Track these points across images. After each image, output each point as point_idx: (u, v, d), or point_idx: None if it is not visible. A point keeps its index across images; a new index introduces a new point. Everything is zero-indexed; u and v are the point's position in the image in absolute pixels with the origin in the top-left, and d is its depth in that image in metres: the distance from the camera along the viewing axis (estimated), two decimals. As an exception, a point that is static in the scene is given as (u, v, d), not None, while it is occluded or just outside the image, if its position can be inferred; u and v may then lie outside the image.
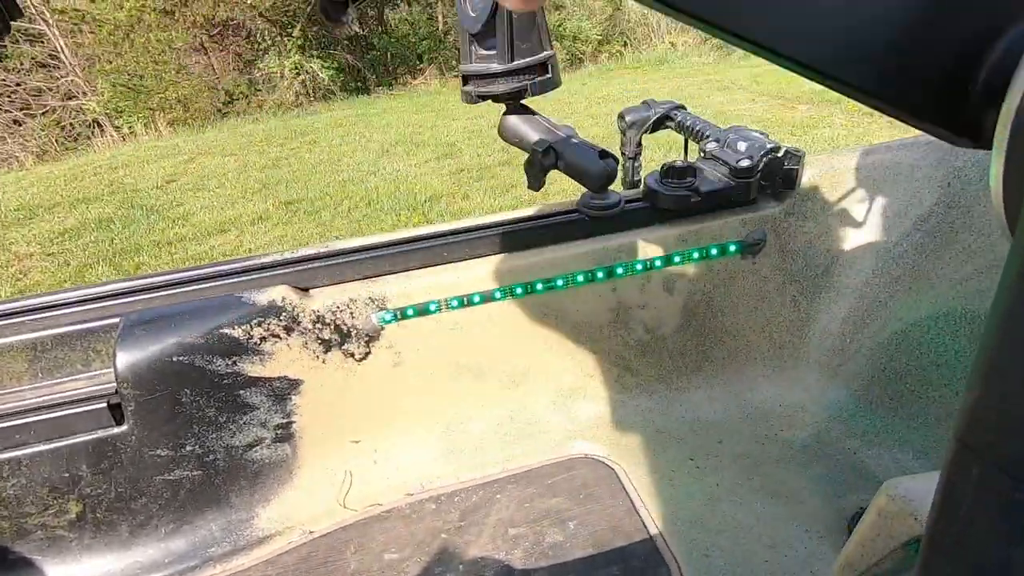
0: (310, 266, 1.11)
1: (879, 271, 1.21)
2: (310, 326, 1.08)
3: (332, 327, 1.10)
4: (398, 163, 5.66)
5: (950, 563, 0.33)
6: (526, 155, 1.10)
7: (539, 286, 1.16)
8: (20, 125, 9.60)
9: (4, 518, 1.01)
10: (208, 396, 1.05)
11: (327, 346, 1.11)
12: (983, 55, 0.33)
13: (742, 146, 1.21)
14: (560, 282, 1.17)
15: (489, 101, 1.05)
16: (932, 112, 0.35)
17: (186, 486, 1.08)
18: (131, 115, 9.34)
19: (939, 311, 1.12)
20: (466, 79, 1.05)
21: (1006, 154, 0.31)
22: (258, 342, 1.05)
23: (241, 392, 1.07)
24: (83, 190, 5.75)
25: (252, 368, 1.06)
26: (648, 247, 1.19)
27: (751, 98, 6.74)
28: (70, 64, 9.71)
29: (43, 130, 9.49)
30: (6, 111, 9.36)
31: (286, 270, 1.10)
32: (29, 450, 0.99)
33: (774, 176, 1.20)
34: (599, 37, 11.68)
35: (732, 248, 1.22)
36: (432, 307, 1.14)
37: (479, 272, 1.14)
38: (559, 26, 11.08)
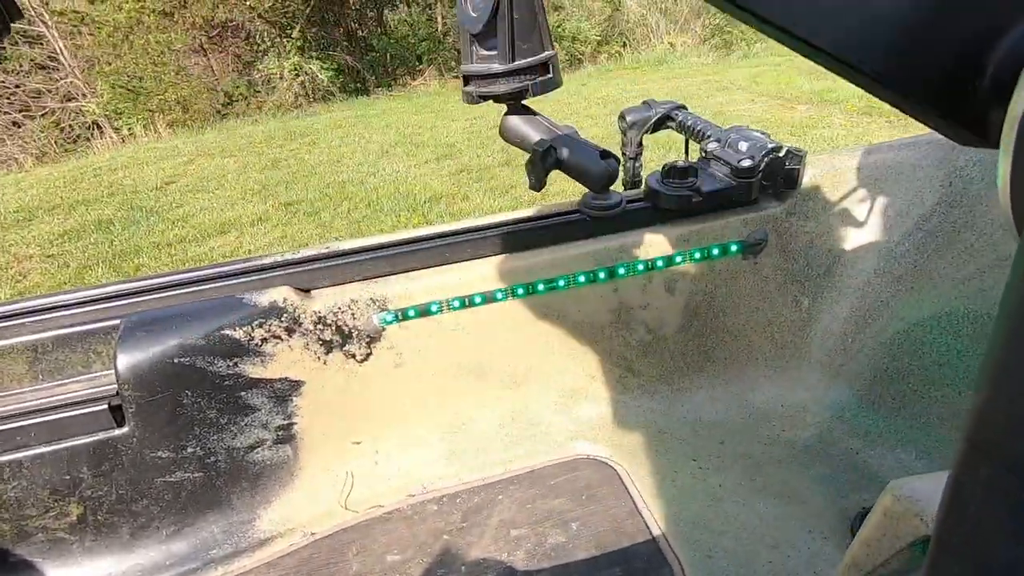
0: (311, 267, 1.10)
1: (881, 271, 1.21)
2: (311, 327, 1.08)
3: (333, 328, 1.10)
4: (398, 164, 5.66)
5: (958, 563, 0.33)
6: (527, 155, 1.10)
7: (541, 287, 1.16)
8: (19, 127, 9.60)
9: (5, 520, 1.01)
10: (209, 397, 1.04)
11: (328, 347, 1.10)
12: (988, 52, 0.32)
13: (743, 146, 1.21)
14: (562, 282, 1.17)
15: (490, 101, 1.05)
16: (938, 106, 0.35)
17: (187, 488, 1.08)
18: (130, 117, 9.34)
19: (941, 310, 1.12)
20: (467, 79, 1.04)
21: (1013, 154, 0.30)
22: (259, 343, 1.05)
23: (242, 393, 1.07)
24: (82, 192, 5.75)
25: (253, 369, 1.06)
26: (650, 247, 1.18)
27: (750, 98, 6.74)
28: (69, 66, 9.71)
29: (42, 132, 9.48)
30: (5, 113, 9.35)
31: (287, 271, 1.10)
32: (30, 452, 0.98)
33: (776, 176, 1.20)
34: (598, 38, 11.68)
35: (734, 248, 1.22)
36: (433, 308, 1.13)
37: (480, 273, 1.14)
38: (558, 27, 11.09)
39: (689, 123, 1.37)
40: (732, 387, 1.31)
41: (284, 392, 1.10)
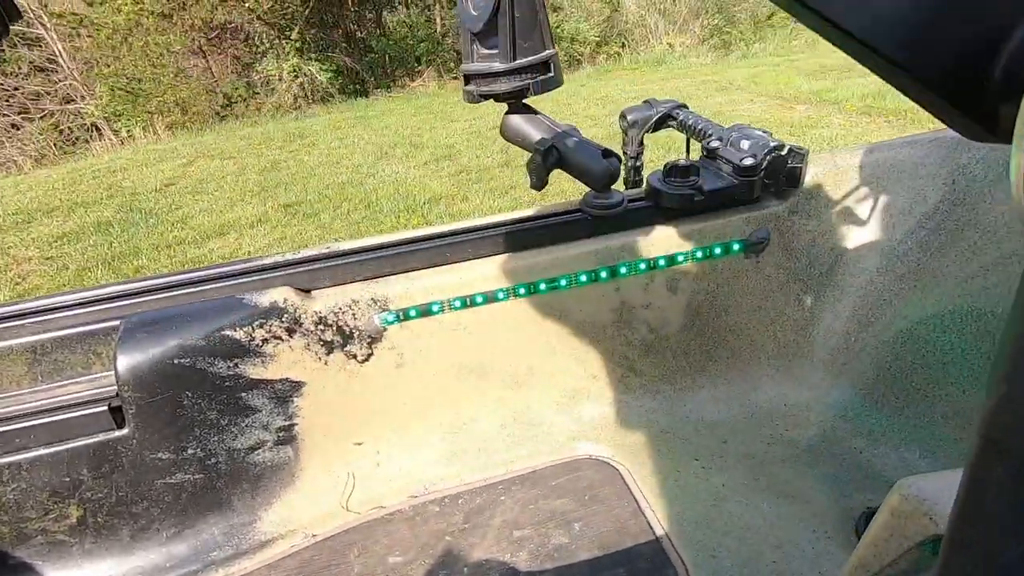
0: (312, 267, 1.10)
1: (884, 269, 1.21)
2: (312, 327, 1.08)
3: (334, 328, 1.09)
4: (397, 165, 5.66)
5: (972, 562, 0.33)
6: (527, 155, 1.09)
7: (542, 286, 1.16)
8: (18, 129, 9.59)
9: (4, 523, 1.00)
10: (210, 398, 1.04)
11: (329, 348, 1.10)
12: (1003, 43, 0.32)
13: (745, 144, 1.21)
14: (563, 282, 1.16)
15: (489, 102, 1.05)
16: (952, 97, 0.34)
17: (188, 489, 1.07)
18: (129, 118, 9.34)
19: (944, 309, 1.11)
20: (468, 78, 1.04)
21: None
22: (260, 344, 1.05)
23: (243, 394, 1.06)
24: (81, 194, 5.74)
25: (254, 370, 1.06)
26: (651, 246, 1.18)
27: (749, 98, 6.75)
28: (68, 68, 9.70)
29: (41, 134, 9.48)
30: (4, 115, 9.35)
31: (288, 271, 1.09)
32: (29, 454, 0.98)
33: (778, 174, 1.19)
34: (597, 39, 11.68)
35: (736, 247, 1.21)
36: (435, 308, 1.13)
37: (482, 272, 1.13)
38: (557, 28, 11.09)
39: (690, 122, 1.37)
40: (735, 386, 1.31)
41: (285, 393, 1.09)
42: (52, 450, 0.98)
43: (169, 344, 1.00)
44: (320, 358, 1.10)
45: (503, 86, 1.01)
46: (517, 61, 0.99)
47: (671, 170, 1.19)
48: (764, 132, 1.23)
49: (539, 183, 1.10)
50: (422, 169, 5.45)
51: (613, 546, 1.02)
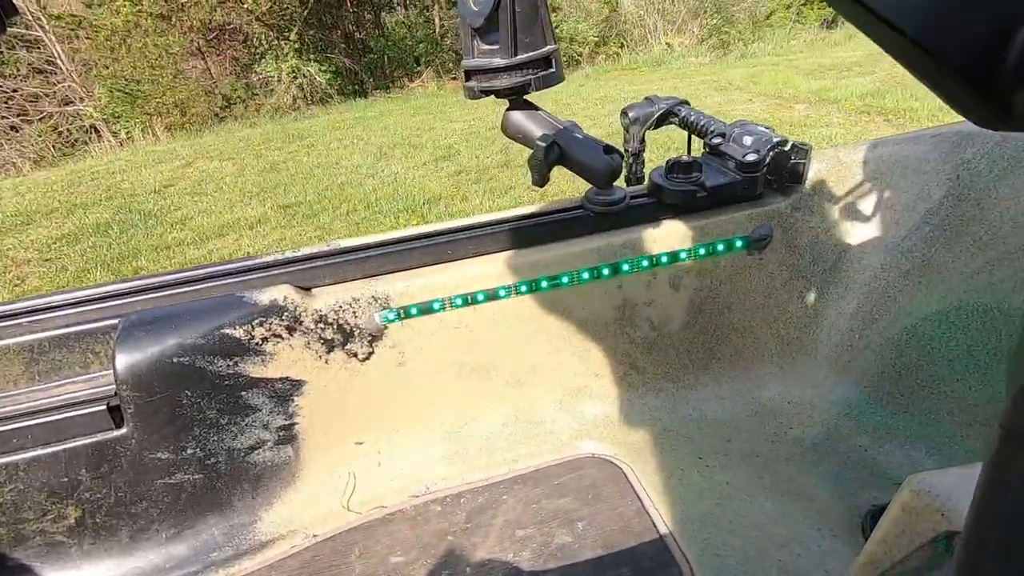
0: (312, 265, 1.09)
1: (888, 266, 1.20)
2: (312, 326, 1.07)
3: (335, 327, 1.08)
4: (396, 166, 5.65)
5: (993, 559, 0.32)
6: (526, 156, 1.08)
7: (544, 283, 1.15)
8: (17, 131, 9.59)
9: (2, 524, 1.00)
10: (209, 398, 1.03)
11: (330, 346, 1.09)
12: (1017, 28, 0.31)
13: (748, 140, 1.20)
14: (565, 279, 1.15)
15: (489, 102, 1.04)
16: (968, 79, 0.33)
17: (187, 490, 1.06)
18: (128, 120, 9.34)
19: (950, 305, 1.10)
20: (468, 75, 1.03)
21: None
22: (260, 342, 1.04)
23: (243, 393, 1.05)
24: (80, 195, 5.73)
25: (254, 369, 1.05)
26: (654, 243, 1.17)
27: (748, 98, 6.75)
28: (67, 70, 9.70)
29: (40, 136, 9.47)
30: (3, 117, 9.35)
31: (288, 269, 1.08)
32: (27, 454, 0.97)
33: (781, 170, 1.19)
34: (596, 39, 11.69)
35: (738, 244, 1.21)
36: (436, 306, 1.12)
37: (483, 270, 1.13)
38: (555, 28, 11.09)
39: (692, 119, 1.36)
40: (738, 384, 1.30)
41: (285, 392, 1.08)
42: (50, 450, 0.97)
43: (168, 343, 0.99)
44: (320, 357, 1.09)
45: (504, 82, 1.00)
46: (518, 57, 0.98)
47: (673, 166, 1.18)
48: (767, 128, 1.23)
49: (541, 180, 1.09)
50: (421, 169, 5.45)
51: (617, 545, 1.01)
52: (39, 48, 9.63)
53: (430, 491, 1.15)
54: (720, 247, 1.20)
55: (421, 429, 1.21)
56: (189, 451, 1.04)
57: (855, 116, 5.56)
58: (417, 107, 8.71)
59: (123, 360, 0.97)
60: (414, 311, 1.11)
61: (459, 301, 1.13)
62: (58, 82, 9.74)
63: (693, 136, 1.38)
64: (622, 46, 11.79)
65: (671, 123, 1.42)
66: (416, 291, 1.10)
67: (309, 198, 4.94)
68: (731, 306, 1.26)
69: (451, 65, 11.16)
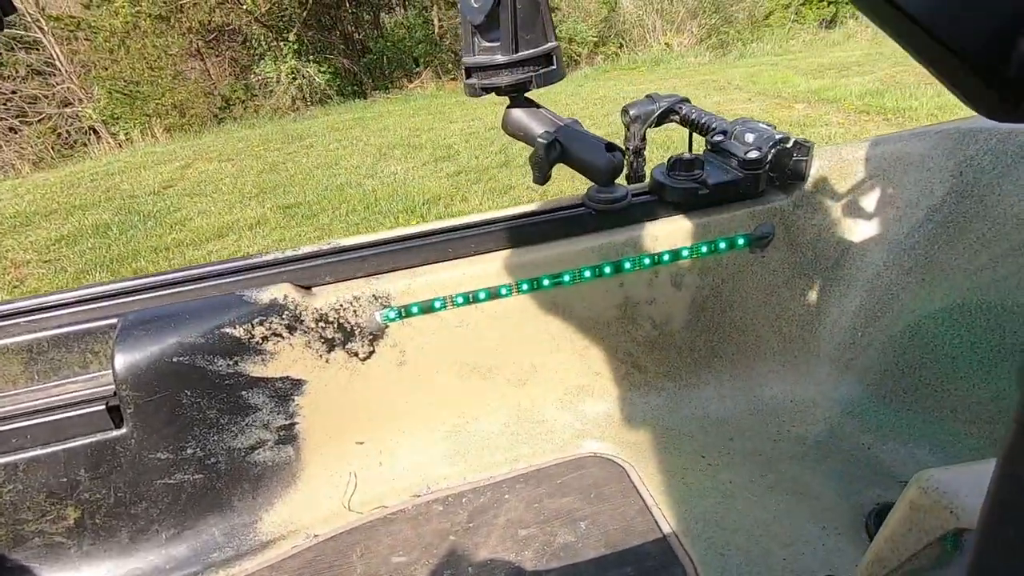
0: (312, 264, 1.08)
1: (890, 263, 1.19)
2: (313, 325, 1.06)
3: (335, 326, 1.08)
4: (396, 166, 5.65)
5: (1008, 556, 0.31)
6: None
7: (545, 282, 1.14)
8: (16, 133, 9.58)
9: (0, 525, 0.99)
10: (209, 397, 1.02)
11: (330, 345, 1.08)
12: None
13: (750, 137, 1.19)
14: (567, 278, 1.15)
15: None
16: (977, 68, 0.33)
17: (187, 490, 1.06)
18: (127, 121, 9.33)
19: (953, 302, 1.10)
20: (469, 72, 1.02)
21: None
22: (260, 342, 1.03)
23: (243, 393, 1.05)
24: (80, 197, 5.73)
25: (254, 368, 1.04)
26: (655, 241, 1.17)
27: (748, 98, 6.75)
28: (66, 71, 9.70)
29: (39, 137, 9.47)
30: (2, 119, 9.34)
31: (288, 268, 1.08)
32: (26, 454, 0.96)
33: (783, 168, 1.18)
34: (595, 39, 11.69)
35: (740, 241, 1.20)
36: (437, 304, 1.11)
37: (484, 268, 1.12)
38: (554, 28, 11.10)
39: (693, 116, 1.35)
40: (740, 382, 1.29)
41: (285, 391, 1.08)
42: (49, 450, 0.97)
43: (167, 342, 0.98)
44: (321, 356, 1.08)
45: (505, 79, 1.00)
46: (519, 54, 0.98)
47: (675, 164, 1.17)
48: (768, 125, 1.22)
49: (542, 178, 1.09)
50: (421, 170, 5.44)
51: (620, 544, 1.00)
52: (38, 49, 9.63)
53: (432, 491, 1.15)
54: (722, 245, 1.19)
55: (422, 428, 1.21)
56: (189, 451, 1.04)
57: (854, 116, 5.56)
58: (416, 108, 8.70)
59: (122, 360, 0.96)
60: (415, 310, 1.11)
61: (460, 300, 1.12)
62: (57, 84, 9.73)
63: (694, 134, 1.38)
64: (621, 46, 11.79)
65: (672, 121, 1.41)
66: (417, 290, 1.10)
67: (308, 199, 4.94)
68: (733, 304, 1.26)
69: (450, 66, 11.16)
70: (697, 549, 0.98)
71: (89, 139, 9.38)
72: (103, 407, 0.97)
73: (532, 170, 1.08)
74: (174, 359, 0.98)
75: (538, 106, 1.12)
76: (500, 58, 0.98)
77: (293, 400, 1.09)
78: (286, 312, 1.04)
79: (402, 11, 11.72)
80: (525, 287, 1.14)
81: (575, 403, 1.26)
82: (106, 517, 1.03)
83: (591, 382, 1.26)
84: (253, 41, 10.63)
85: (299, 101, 10.36)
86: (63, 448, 0.97)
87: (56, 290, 1.05)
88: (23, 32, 9.31)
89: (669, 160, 1.19)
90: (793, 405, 1.26)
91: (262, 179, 5.68)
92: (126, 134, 9.12)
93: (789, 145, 1.17)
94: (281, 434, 1.10)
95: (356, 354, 1.11)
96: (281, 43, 10.49)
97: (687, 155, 1.18)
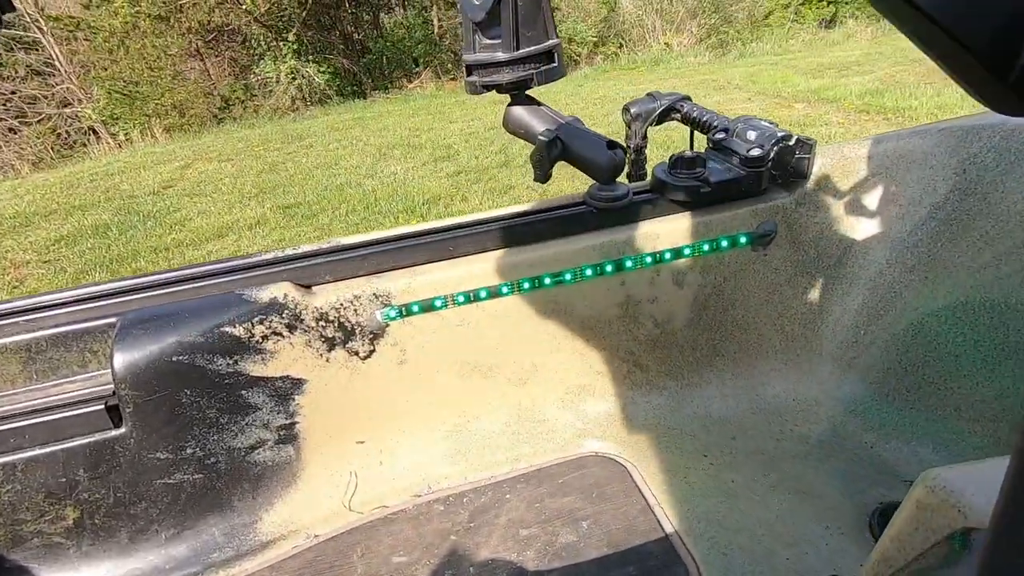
0: (312, 262, 1.08)
1: (893, 261, 1.19)
2: (313, 324, 1.05)
3: (335, 325, 1.07)
4: (395, 166, 5.64)
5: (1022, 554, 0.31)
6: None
7: (547, 280, 1.14)
8: (16, 133, 9.58)
9: None
10: (209, 397, 1.02)
11: (331, 344, 1.08)
12: None
13: (752, 135, 1.19)
14: (568, 276, 1.14)
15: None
16: (984, 60, 0.32)
17: (187, 490, 1.05)
18: (127, 122, 9.33)
19: (956, 300, 1.09)
20: (470, 70, 1.02)
21: None
22: (260, 341, 1.02)
23: (243, 392, 1.04)
24: (79, 197, 5.72)
25: (254, 367, 1.03)
26: (657, 239, 1.16)
27: (747, 97, 6.74)
28: (65, 71, 9.69)
29: (39, 138, 9.46)
30: (1, 119, 9.33)
31: (288, 266, 1.07)
32: (24, 454, 0.96)
33: (785, 166, 1.18)
34: (594, 39, 11.68)
35: (742, 240, 1.20)
36: (438, 303, 1.11)
37: (485, 267, 1.11)
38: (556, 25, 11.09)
39: (695, 114, 1.35)
40: (742, 381, 1.29)
41: (285, 391, 1.07)
42: (48, 450, 0.96)
43: (167, 341, 0.98)
44: (321, 355, 1.08)
45: (506, 76, 0.99)
46: (520, 51, 0.97)
47: (677, 162, 1.17)
48: (771, 123, 1.22)
49: (543, 176, 1.08)
50: (420, 170, 5.44)
51: (622, 544, 1.00)
52: (37, 50, 9.63)
53: (432, 490, 1.14)
54: (724, 243, 1.19)
55: (423, 428, 1.20)
56: (189, 451, 1.03)
57: (854, 115, 5.56)
58: (416, 108, 8.70)
59: (121, 359, 0.95)
60: (416, 308, 1.10)
61: (461, 298, 1.11)
62: (56, 84, 9.73)
63: (695, 132, 1.37)
64: (621, 46, 11.79)
65: (674, 119, 1.41)
66: (418, 288, 1.09)
67: (308, 199, 4.93)
68: (735, 303, 1.25)
69: (450, 66, 11.16)
70: (700, 549, 0.97)
71: (89, 139, 9.37)
72: (102, 407, 0.97)
73: (533, 168, 1.08)
74: (173, 358, 0.98)
75: (539, 104, 1.11)
76: (501, 55, 0.98)
77: (293, 399, 1.08)
78: (286, 311, 1.03)
79: (401, 11, 11.72)
80: (526, 286, 1.13)
81: (577, 402, 1.26)
82: (105, 517, 1.02)
83: (593, 381, 1.26)
84: (252, 41, 10.62)
85: (299, 101, 10.35)
86: (62, 448, 0.97)
87: (55, 289, 1.05)
88: (22, 32, 9.31)
89: (671, 158, 1.18)
90: (796, 404, 1.25)
91: (262, 179, 5.67)
92: (126, 134, 9.12)
93: (791, 143, 1.17)
94: (281, 433, 1.09)
95: (356, 353, 1.10)
96: (280, 43, 10.49)
97: (689, 153, 1.18)
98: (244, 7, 9.89)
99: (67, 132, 9.64)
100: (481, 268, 1.11)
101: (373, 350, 1.11)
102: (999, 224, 1.05)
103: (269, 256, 1.09)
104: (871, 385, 1.21)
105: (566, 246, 1.14)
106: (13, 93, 9.50)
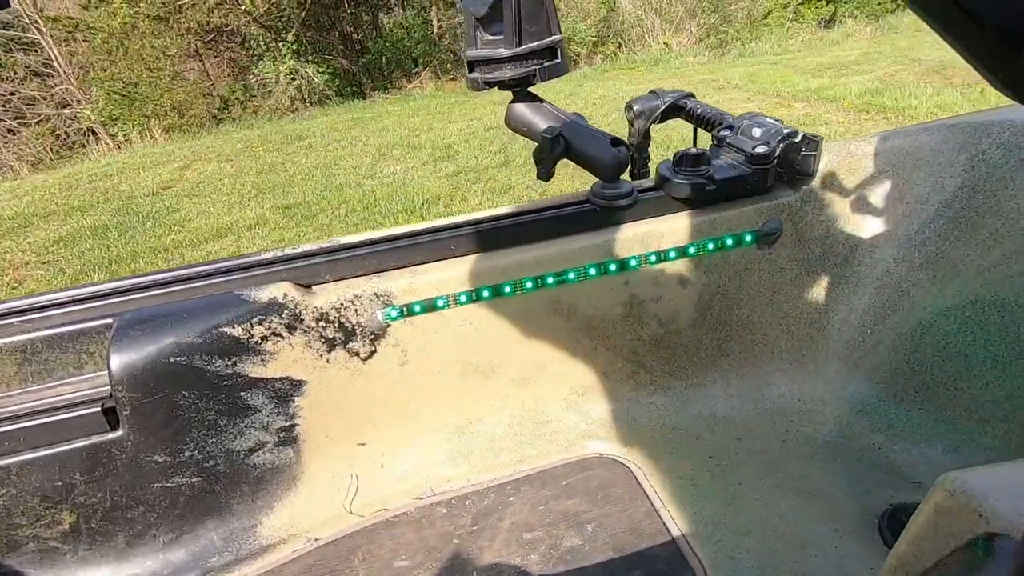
0: (312, 261, 1.06)
1: (900, 259, 1.17)
2: (313, 324, 1.04)
3: (336, 325, 1.05)
4: (395, 166, 5.63)
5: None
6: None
7: (550, 280, 1.12)
8: (15, 134, 9.57)
9: None
10: (207, 398, 1.00)
11: (331, 345, 1.06)
12: None
13: (757, 132, 1.17)
14: (571, 275, 1.13)
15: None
16: (1006, 44, 0.31)
17: (185, 493, 1.03)
18: (126, 122, 9.31)
19: (966, 299, 1.08)
20: (472, 66, 1.00)
21: None
22: (259, 341, 1.01)
23: (242, 394, 1.02)
24: (78, 198, 5.70)
25: (253, 369, 1.02)
26: (661, 238, 1.14)
27: (747, 97, 6.73)
28: (64, 72, 9.68)
29: (38, 139, 9.45)
30: (0, 120, 9.32)
31: (287, 266, 1.05)
32: (19, 458, 0.94)
33: (791, 163, 1.16)
34: (594, 39, 11.67)
35: (748, 238, 1.18)
36: (440, 303, 1.09)
37: (488, 266, 1.10)
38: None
39: (699, 111, 1.33)
40: (747, 382, 1.27)
41: (285, 392, 1.06)
42: (43, 453, 0.95)
43: (164, 342, 0.96)
44: (321, 356, 1.06)
45: (508, 72, 0.98)
46: (523, 46, 0.96)
47: (681, 159, 1.15)
48: (776, 120, 1.20)
49: (546, 174, 1.07)
50: (420, 170, 5.42)
51: (628, 548, 0.98)
52: (36, 51, 9.61)
53: (435, 493, 1.12)
54: (729, 241, 1.17)
55: (425, 429, 1.19)
56: (187, 453, 1.02)
57: (854, 114, 5.55)
58: (415, 108, 8.68)
59: (118, 360, 0.94)
60: (417, 308, 1.09)
61: (463, 298, 1.10)
62: (55, 85, 9.72)
63: (699, 129, 1.36)
64: (620, 46, 11.77)
65: (677, 116, 1.39)
66: (419, 288, 1.08)
67: (308, 199, 4.91)
68: (740, 302, 1.24)
69: (449, 66, 11.15)
70: (707, 552, 0.96)
71: (88, 140, 9.36)
72: (98, 409, 0.95)
73: (536, 166, 1.06)
74: (171, 359, 0.96)
75: (542, 100, 1.10)
76: (503, 51, 0.96)
77: (293, 401, 1.07)
78: (286, 311, 1.02)
79: (401, 11, 11.71)
80: (529, 285, 1.12)
81: (580, 403, 1.24)
82: (102, 521, 1.00)
83: (596, 382, 1.24)
84: (252, 42, 10.61)
85: (298, 101, 10.34)
86: (58, 451, 0.95)
87: (50, 289, 1.03)
88: (21, 33, 9.30)
89: (675, 155, 1.17)
90: (802, 404, 1.24)
91: (261, 180, 5.66)
92: (125, 135, 9.10)
93: (797, 140, 1.15)
94: (281, 436, 1.08)
95: (357, 354, 1.08)
96: (280, 43, 10.47)
97: (694, 150, 1.16)
98: (243, 8, 9.87)
99: (66, 133, 9.63)
100: (484, 267, 1.10)
101: (374, 351, 1.10)
102: (1009, 222, 1.04)
103: (268, 255, 1.07)
104: (878, 385, 1.20)
105: (570, 245, 1.12)
106: (12, 94, 9.48)
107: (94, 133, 9.49)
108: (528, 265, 1.11)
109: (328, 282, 1.07)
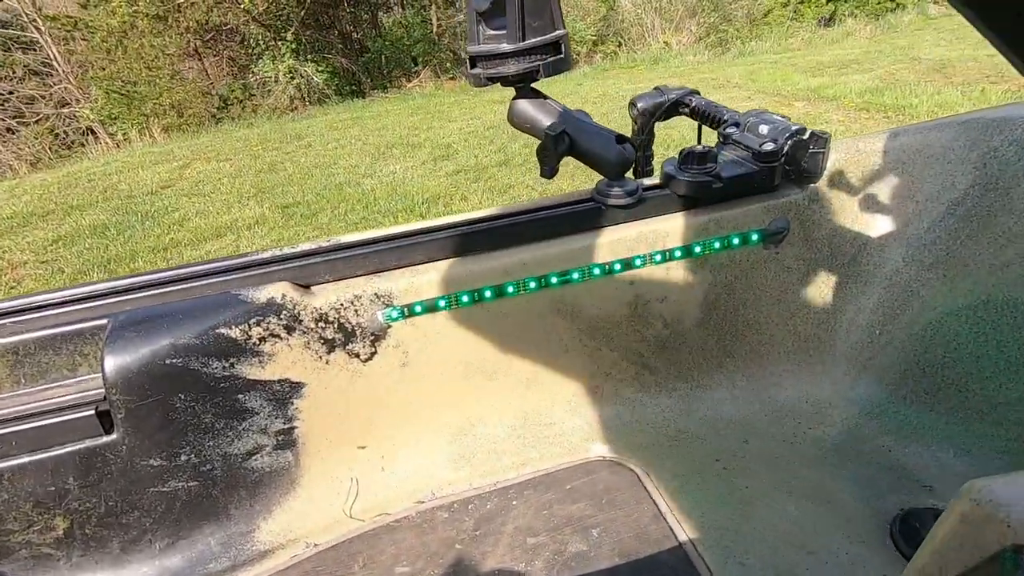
0: (311, 261, 1.04)
1: (910, 259, 1.15)
2: (312, 325, 1.02)
3: (335, 326, 1.03)
4: (394, 165, 5.61)
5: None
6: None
7: (553, 279, 1.10)
8: (13, 133, 9.54)
9: None
10: (204, 401, 0.98)
11: (330, 346, 1.04)
12: None
13: (764, 129, 1.15)
14: (576, 275, 1.11)
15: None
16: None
17: (181, 498, 1.01)
18: (125, 121, 9.29)
19: (977, 299, 1.06)
20: (474, 61, 0.98)
21: None
22: (257, 342, 0.99)
23: (239, 396, 1.00)
24: (77, 197, 5.68)
25: (251, 370, 1.00)
26: (667, 237, 1.12)
27: (747, 95, 6.71)
28: (63, 71, 9.65)
29: (36, 138, 9.43)
30: (-2, 119, 9.30)
31: (286, 266, 1.03)
32: (11, 462, 0.92)
33: (798, 161, 1.14)
34: (593, 38, 11.65)
35: (754, 237, 1.16)
36: (441, 303, 1.07)
37: (490, 265, 1.08)
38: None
39: (703, 108, 1.31)
40: (754, 383, 1.25)
41: (284, 394, 1.03)
42: (36, 457, 0.92)
43: (160, 344, 0.94)
44: (321, 357, 1.04)
45: (511, 68, 0.95)
46: (526, 42, 0.94)
47: (687, 157, 1.13)
48: (783, 117, 1.18)
49: (550, 171, 1.05)
50: (419, 169, 5.40)
51: (634, 553, 0.96)
52: (35, 50, 9.59)
53: (436, 497, 1.10)
54: (735, 240, 1.15)
55: (426, 432, 1.16)
56: (183, 457, 0.99)
57: (854, 113, 5.54)
58: (415, 107, 8.66)
59: (113, 362, 0.92)
60: (418, 309, 1.06)
61: (465, 298, 1.08)
62: (54, 84, 9.69)
63: (704, 127, 1.33)
64: (620, 45, 11.76)
65: (682, 113, 1.37)
66: (420, 288, 1.06)
67: (307, 198, 4.89)
68: (746, 302, 1.21)
69: (449, 65, 11.12)
70: (714, 558, 0.94)
71: (87, 139, 9.33)
72: (92, 412, 0.93)
73: (540, 163, 1.04)
74: (167, 361, 0.94)
75: (545, 97, 1.08)
76: (506, 46, 0.94)
77: (292, 403, 1.05)
78: (284, 312, 0.99)
79: (400, 10, 11.68)
80: (532, 285, 1.10)
81: (584, 405, 1.22)
82: (96, 527, 0.98)
83: (600, 383, 1.22)
84: (251, 40, 10.58)
85: (297, 100, 10.31)
86: (51, 455, 0.93)
87: (44, 289, 1.01)
88: (20, 32, 9.27)
89: (681, 153, 1.15)
90: (809, 406, 1.22)
91: (260, 179, 5.64)
92: (124, 134, 9.07)
93: (806, 137, 1.13)
94: (279, 439, 1.06)
95: (357, 355, 1.06)
96: (279, 42, 10.45)
97: (700, 147, 1.14)
98: (242, 6, 9.84)
99: (65, 132, 9.60)
100: (486, 267, 1.08)
101: (374, 352, 1.07)
102: (1022, 220, 1.02)
103: (266, 255, 1.05)
104: (888, 387, 1.17)
105: (573, 244, 1.10)
106: (11, 93, 9.46)
107: (93, 132, 9.46)
108: (531, 265, 1.09)
109: (327, 282, 1.05)
